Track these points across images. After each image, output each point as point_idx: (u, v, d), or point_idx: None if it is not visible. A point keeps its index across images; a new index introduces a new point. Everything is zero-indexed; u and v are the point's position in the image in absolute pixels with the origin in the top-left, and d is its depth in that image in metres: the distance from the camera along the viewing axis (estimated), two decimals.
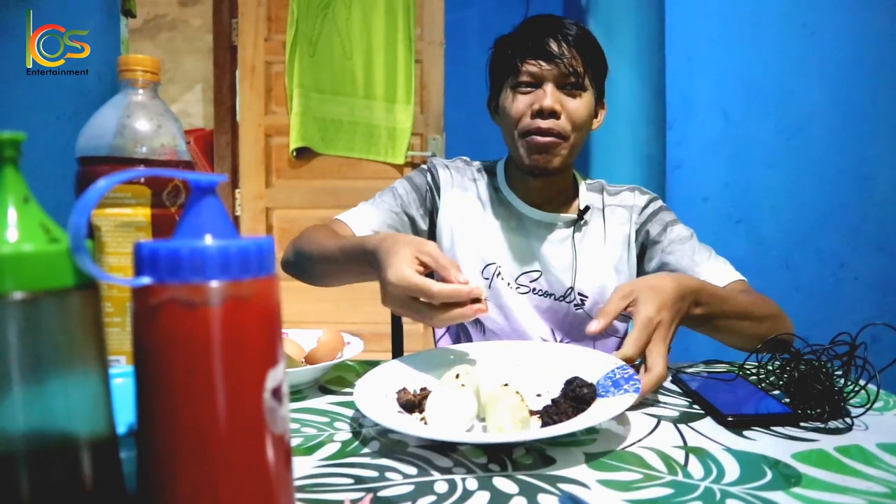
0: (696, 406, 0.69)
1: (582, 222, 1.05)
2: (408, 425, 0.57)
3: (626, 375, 0.64)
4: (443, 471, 0.52)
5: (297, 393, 0.73)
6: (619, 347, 1.09)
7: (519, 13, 2.46)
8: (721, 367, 0.84)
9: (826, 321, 1.63)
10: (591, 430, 0.61)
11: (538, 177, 1.00)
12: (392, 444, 0.58)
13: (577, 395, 0.61)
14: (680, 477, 0.51)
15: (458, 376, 0.65)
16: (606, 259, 1.04)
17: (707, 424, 0.63)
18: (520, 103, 0.96)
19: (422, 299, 0.67)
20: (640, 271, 1.05)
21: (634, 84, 1.87)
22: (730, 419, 0.62)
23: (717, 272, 0.95)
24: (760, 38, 1.63)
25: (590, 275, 1.03)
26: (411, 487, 0.49)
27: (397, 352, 1.28)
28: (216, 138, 2.62)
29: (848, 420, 0.63)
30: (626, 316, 1.05)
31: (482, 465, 0.53)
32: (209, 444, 0.32)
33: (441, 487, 0.49)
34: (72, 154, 0.58)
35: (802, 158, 1.63)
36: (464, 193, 1.08)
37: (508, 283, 1.04)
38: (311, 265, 0.94)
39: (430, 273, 0.71)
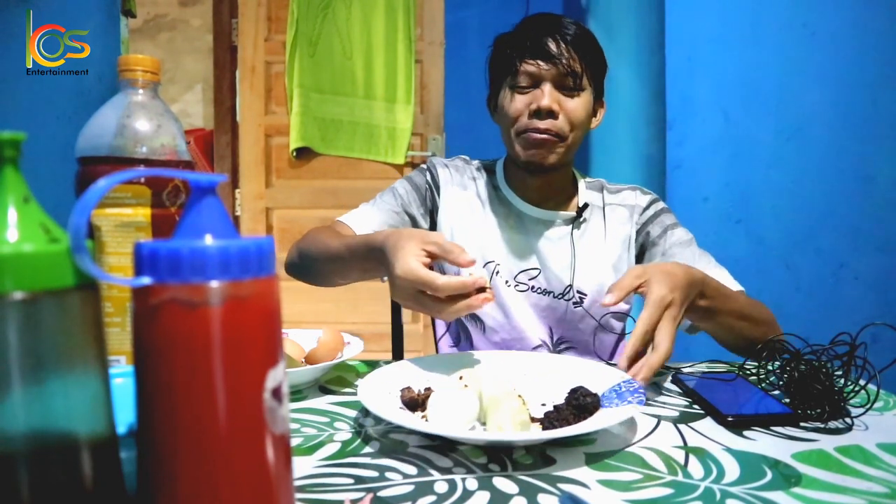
0: (696, 406, 0.69)
1: (581, 220, 1.05)
2: (408, 420, 0.57)
3: (631, 388, 0.64)
4: (443, 471, 0.52)
5: (297, 393, 0.73)
6: (616, 348, 1.10)
7: (519, 13, 2.46)
8: (721, 367, 0.84)
9: (826, 321, 1.63)
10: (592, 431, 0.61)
11: (535, 173, 1.00)
12: (392, 444, 0.58)
13: (580, 404, 0.61)
14: (680, 477, 0.51)
15: (461, 378, 0.65)
16: (605, 257, 1.04)
17: (707, 424, 0.63)
18: (518, 103, 0.97)
19: (428, 292, 0.68)
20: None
21: (634, 84, 1.87)
22: (730, 419, 0.62)
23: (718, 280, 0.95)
24: (760, 38, 1.63)
25: (589, 273, 1.03)
26: (411, 487, 0.49)
27: (397, 352, 1.28)
28: (216, 138, 2.62)
29: (848, 420, 0.63)
30: (623, 314, 1.06)
31: (482, 465, 0.53)
32: (209, 444, 0.32)
33: (441, 487, 0.49)
34: (72, 154, 0.58)
35: (802, 158, 1.63)
36: (463, 192, 1.08)
37: (507, 281, 1.04)
38: (317, 265, 0.95)
39: (440, 268, 0.72)
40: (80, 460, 0.31)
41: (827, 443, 0.58)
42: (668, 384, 0.78)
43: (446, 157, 1.28)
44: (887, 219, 1.64)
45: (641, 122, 1.84)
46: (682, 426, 0.63)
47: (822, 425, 0.62)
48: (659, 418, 0.65)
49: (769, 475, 0.51)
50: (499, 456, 0.55)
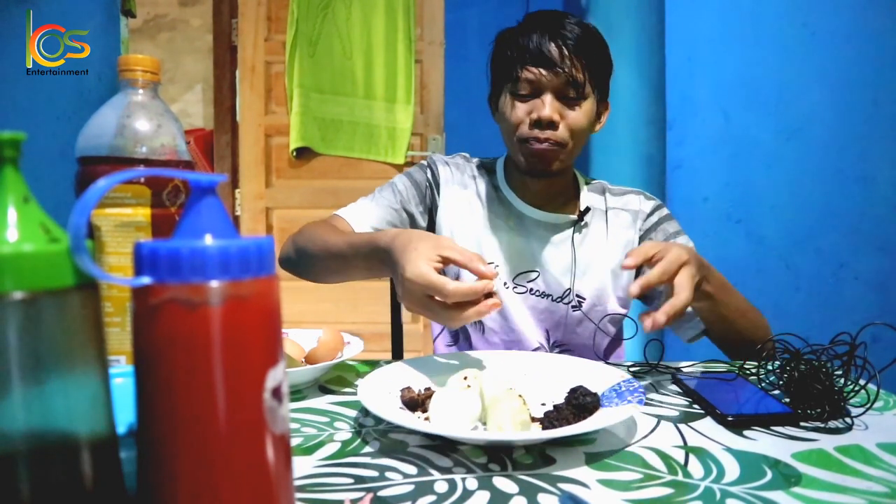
0: (696, 406, 0.69)
1: (582, 224, 1.04)
2: (408, 420, 0.57)
3: (631, 388, 0.64)
4: (443, 470, 0.52)
5: (297, 393, 0.73)
6: (613, 352, 1.09)
7: (519, 13, 2.46)
8: (721, 367, 0.84)
9: (826, 321, 1.63)
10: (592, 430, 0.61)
11: (537, 178, 1.00)
12: (392, 444, 0.58)
13: (579, 404, 0.61)
14: (680, 477, 0.51)
15: (465, 378, 0.65)
16: (606, 261, 1.04)
17: (707, 424, 0.63)
18: (518, 111, 0.95)
19: (437, 298, 0.67)
20: (637, 276, 1.05)
21: (634, 84, 1.87)
22: (730, 419, 0.62)
23: None
24: (760, 38, 1.63)
25: (588, 277, 1.03)
26: (411, 487, 0.49)
27: (397, 352, 1.28)
28: (216, 138, 2.62)
29: (848, 420, 0.63)
30: (620, 317, 1.06)
31: (482, 464, 0.53)
32: (209, 443, 0.32)
33: (441, 487, 0.49)
34: (72, 154, 0.58)
35: (802, 158, 1.63)
36: (463, 191, 1.07)
37: (505, 283, 1.03)
38: (314, 262, 0.93)
39: (454, 275, 0.71)
40: (80, 460, 0.31)
41: (827, 442, 0.58)
42: (668, 384, 0.78)
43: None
44: (887, 219, 1.64)
45: (641, 122, 1.84)
46: (682, 426, 0.63)
47: (822, 425, 0.62)
48: (659, 418, 0.65)
49: (769, 475, 0.51)
50: (499, 456, 0.55)
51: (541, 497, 0.47)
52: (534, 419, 0.62)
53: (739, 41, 1.64)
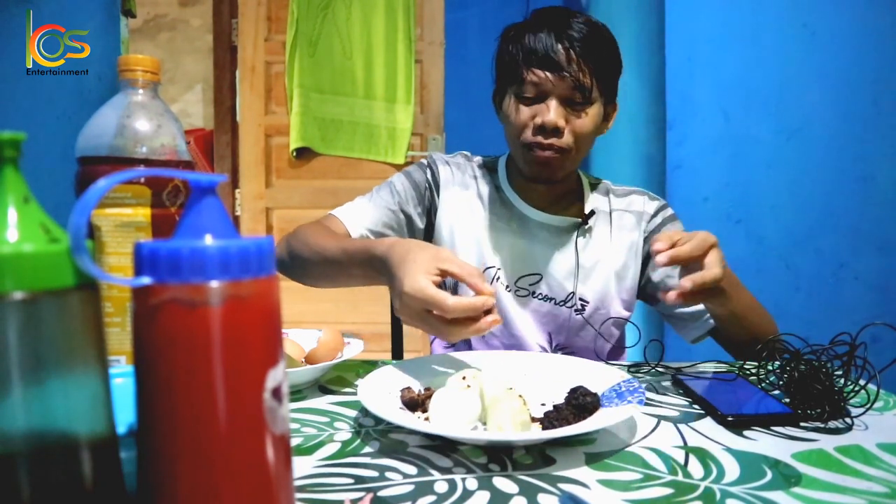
0: (696, 406, 0.69)
1: (586, 227, 1.02)
2: (408, 420, 0.57)
3: (631, 388, 0.64)
4: (443, 471, 0.52)
5: (297, 393, 0.73)
6: (617, 354, 1.09)
7: (519, 13, 2.46)
8: (721, 367, 0.84)
9: (826, 321, 1.63)
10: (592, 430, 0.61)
11: (540, 182, 0.99)
12: (392, 444, 0.58)
13: (579, 404, 0.61)
14: (680, 477, 0.51)
15: (464, 378, 0.65)
16: (610, 264, 1.02)
17: (707, 424, 0.63)
18: (522, 115, 0.92)
19: (435, 312, 0.66)
20: (642, 278, 1.04)
21: (634, 84, 1.87)
22: (730, 419, 0.62)
23: None
24: (760, 38, 1.63)
25: (592, 280, 1.01)
26: (411, 487, 0.49)
27: (397, 352, 1.28)
28: (216, 138, 2.62)
29: (848, 420, 0.63)
30: (623, 321, 1.05)
31: (482, 464, 0.53)
32: (209, 444, 0.32)
33: (441, 487, 0.49)
34: (72, 154, 0.58)
35: (802, 158, 1.63)
36: (464, 192, 1.05)
37: (507, 286, 1.01)
38: (308, 267, 0.91)
39: (453, 289, 0.70)
40: (80, 460, 0.31)
41: (827, 443, 0.58)
42: (668, 384, 0.78)
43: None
44: (887, 219, 1.64)
45: (641, 122, 1.84)
46: (682, 426, 0.63)
47: (822, 425, 0.62)
48: (659, 418, 0.65)
49: (769, 475, 0.51)
50: (499, 456, 0.55)
51: (541, 497, 0.47)
52: (534, 419, 0.62)
53: (739, 41, 1.63)
